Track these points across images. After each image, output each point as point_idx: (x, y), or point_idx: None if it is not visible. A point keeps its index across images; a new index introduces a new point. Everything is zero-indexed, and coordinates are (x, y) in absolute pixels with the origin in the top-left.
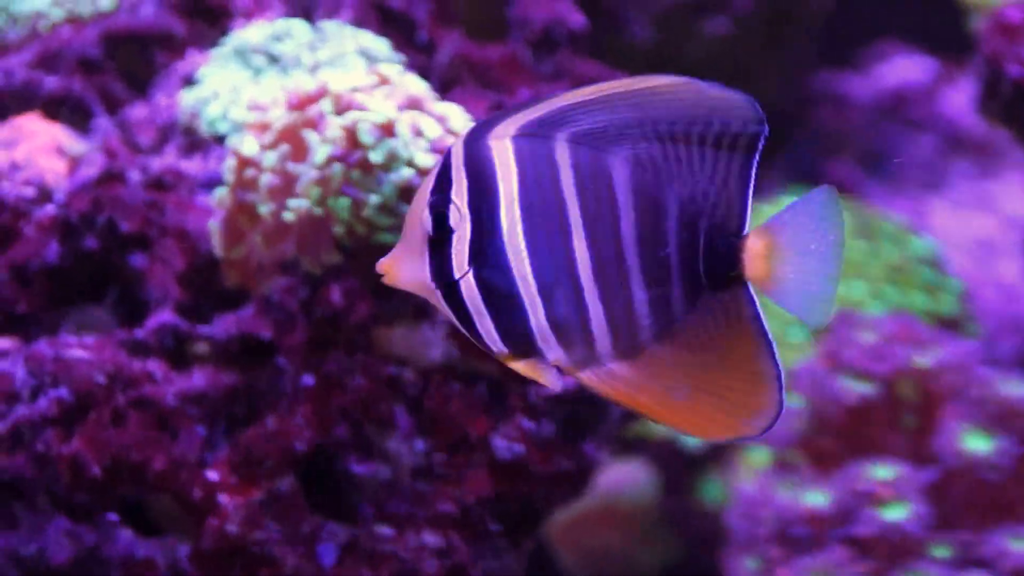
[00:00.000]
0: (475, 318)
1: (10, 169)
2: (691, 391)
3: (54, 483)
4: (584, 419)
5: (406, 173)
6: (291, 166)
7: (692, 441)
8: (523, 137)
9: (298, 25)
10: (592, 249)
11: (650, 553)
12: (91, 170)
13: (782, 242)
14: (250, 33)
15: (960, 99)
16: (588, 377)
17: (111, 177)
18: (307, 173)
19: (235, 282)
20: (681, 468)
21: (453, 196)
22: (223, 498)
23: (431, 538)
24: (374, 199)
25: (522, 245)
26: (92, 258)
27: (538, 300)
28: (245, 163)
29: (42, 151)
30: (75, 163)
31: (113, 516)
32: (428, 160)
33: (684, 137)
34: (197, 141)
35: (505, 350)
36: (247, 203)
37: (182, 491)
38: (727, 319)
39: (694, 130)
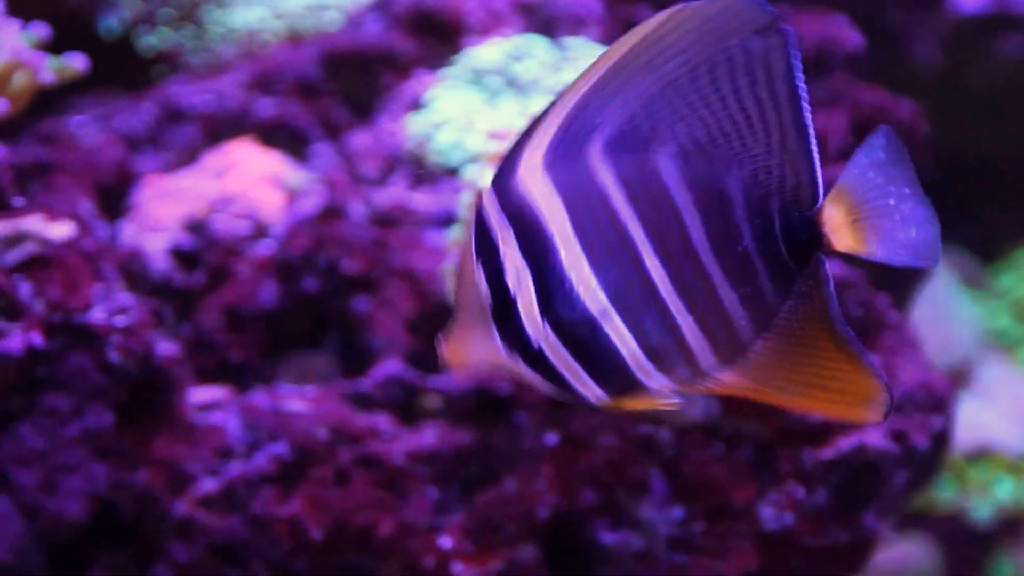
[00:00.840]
0: (566, 375)
1: (222, 201)
2: (802, 385)
3: (271, 548)
4: (862, 486)
5: None
6: None
7: (981, 516)
8: (556, 165)
9: (539, 43)
10: (666, 263)
11: None
12: (310, 204)
13: (860, 201)
14: (485, 52)
15: None
16: (699, 389)
17: (333, 212)
18: None
19: None
20: (969, 546)
21: (503, 253)
22: (457, 567)
23: None
24: None
25: (593, 282)
26: (312, 301)
27: (627, 332)
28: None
29: (257, 182)
30: (293, 196)
31: None
32: None
33: (717, 97)
34: (426, 173)
35: (606, 396)
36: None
37: (412, 559)
38: (817, 303)
39: (722, 79)
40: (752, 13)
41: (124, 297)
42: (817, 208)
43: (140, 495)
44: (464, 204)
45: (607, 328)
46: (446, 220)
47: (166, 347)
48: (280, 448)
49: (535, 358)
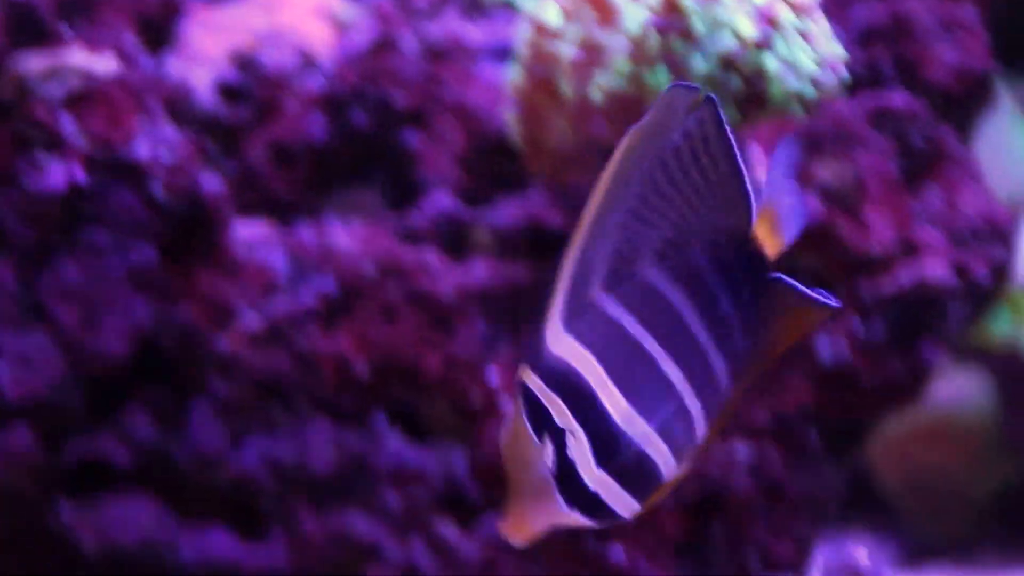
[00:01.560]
0: (617, 508)
1: (270, 35)
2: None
3: (316, 384)
4: (921, 319)
5: (729, 43)
6: (599, 35)
7: None
8: (572, 322)
9: None
10: (679, 363)
11: (986, 478)
12: (361, 37)
13: (769, 209)
14: None
15: None
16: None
17: (384, 45)
18: (618, 43)
19: (537, 172)
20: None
21: (560, 423)
22: (506, 403)
23: (743, 449)
24: (698, 71)
25: (637, 417)
26: (361, 136)
27: (663, 446)
28: (544, 33)
29: (306, 15)
30: (343, 29)
31: (382, 420)
32: (752, 30)
33: (674, 190)
34: (481, 3)
35: (640, 507)
36: (547, 81)
37: (460, 395)
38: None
39: (673, 171)
40: (682, 99)
41: (169, 132)
42: (751, 236)
43: (183, 331)
44: (523, 40)
45: (652, 453)
46: (501, 53)
47: (211, 182)
48: (326, 284)
49: (594, 505)
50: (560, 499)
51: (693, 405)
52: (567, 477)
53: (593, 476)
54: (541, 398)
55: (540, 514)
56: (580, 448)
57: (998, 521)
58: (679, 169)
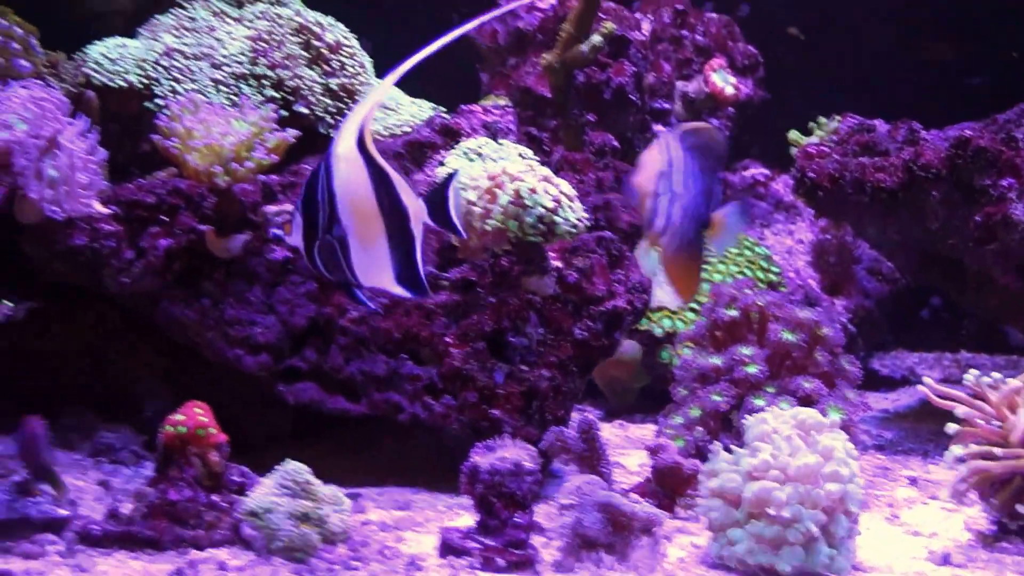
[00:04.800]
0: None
1: None
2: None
3: (379, 339)
4: (615, 323)
5: (540, 210)
6: (490, 206)
7: (657, 331)
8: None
9: (489, 141)
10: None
11: (636, 382)
12: None
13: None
14: (468, 143)
15: (782, 186)
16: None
17: None
18: (497, 209)
19: (463, 255)
20: (653, 343)
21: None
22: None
23: (546, 373)
24: (528, 220)
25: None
26: None
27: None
28: (468, 203)
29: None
30: None
31: (404, 359)
32: (550, 203)
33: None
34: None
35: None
36: (469, 221)
37: (436, 348)
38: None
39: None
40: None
41: None
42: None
43: (327, 317)
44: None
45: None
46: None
47: None
48: (383, 301)
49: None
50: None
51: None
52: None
53: None
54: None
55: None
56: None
57: (646, 401)
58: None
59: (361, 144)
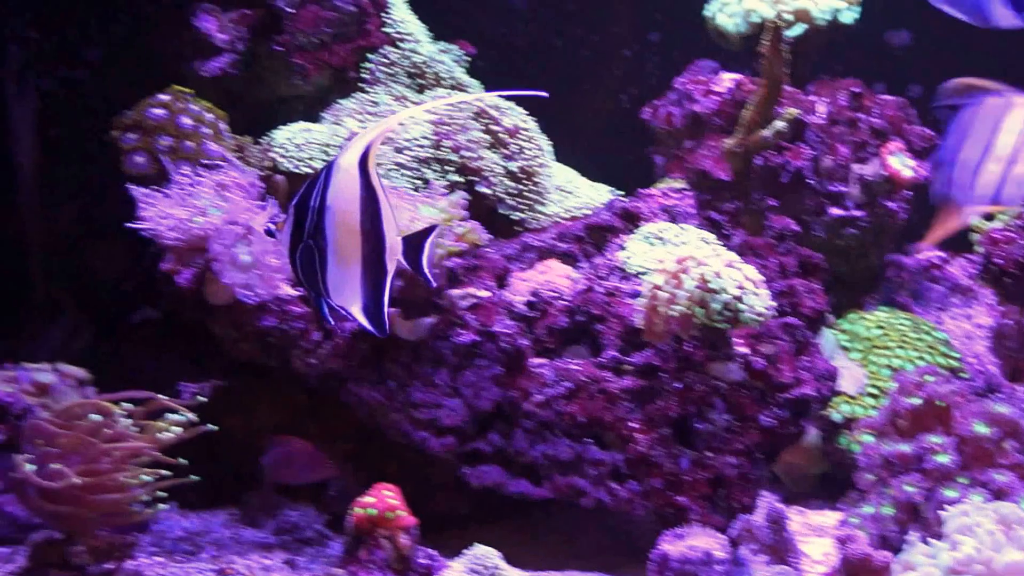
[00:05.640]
0: None
1: (544, 283)
2: None
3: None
4: (804, 409)
5: (727, 296)
6: (676, 290)
7: (836, 416)
8: None
9: (671, 225)
10: None
11: (815, 468)
12: (579, 286)
13: None
14: (649, 227)
15: (959, 269)
16: None
17: (589, 290)
18: (683, 294)
19: (648, 339)
20: (831, 429)
21: None
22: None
23: (733, 460)
24: (714, 307)
25: None
26: (576, 324)
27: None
28: (654, 288)
29: (559, 275)
30: (574, 282)
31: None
32: (737, 289)
33: None
34: (627, 274)
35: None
36: (655, 305)
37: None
38: None
39: None
40: None
41: (507, 323)
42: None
43: (512, 400)
44: (645, 289)
45: None
46: (635, 295)
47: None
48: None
49: None
50: None
51: None
52: None
53: None
54: None
55: None
56: None
57: (824, 487)
58: None
59: (363, 162)
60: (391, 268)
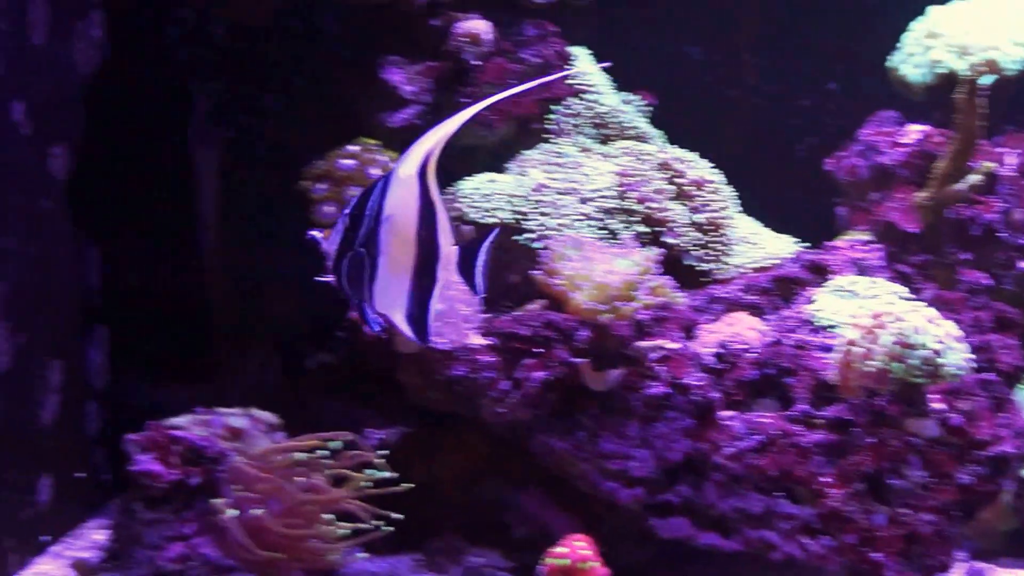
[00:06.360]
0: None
1: (732, 335)
2: None
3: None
4: (1003, 468)
5: (926, 352)
6: (871, 345)
7: None
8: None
9: (861, 278)
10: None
11: (1003, 524)
12: (768, 339)
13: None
14: (836, 281)
15: None
16: None
17: (777, 343)
18: (879, 349)
19: (842, 394)
20: (1020, 484)
21: None
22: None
23: (928, 517)
24: (912, 362)
25: None
26: (765, 377)
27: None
28: (849, 342)
29: (747, 328)
30: (762, 335)
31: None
32: (936, 344)
33: None
34: (816, 327)
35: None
36: (850, 360)
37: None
38: None
39: None
40: None
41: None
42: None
43: (700, 453)
44: (839, 343)
45: None
46: (827, 348)
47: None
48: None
49: None
50: None
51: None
52: None
53: None
54: None
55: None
56: None
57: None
58: None
59: (422, 172)
60: (443, 279)
